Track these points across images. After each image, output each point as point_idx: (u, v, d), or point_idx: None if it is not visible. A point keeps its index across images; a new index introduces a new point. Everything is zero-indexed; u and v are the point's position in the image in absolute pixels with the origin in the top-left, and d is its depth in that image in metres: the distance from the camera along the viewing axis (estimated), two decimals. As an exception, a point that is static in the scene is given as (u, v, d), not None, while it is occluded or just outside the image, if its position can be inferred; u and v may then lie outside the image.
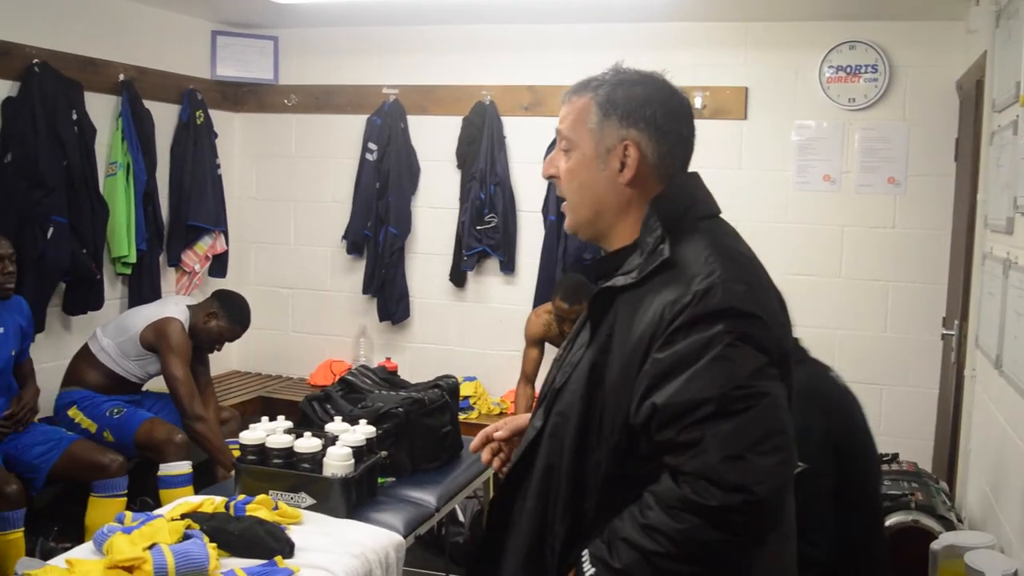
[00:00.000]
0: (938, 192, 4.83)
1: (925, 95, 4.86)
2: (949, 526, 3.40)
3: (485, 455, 2.00)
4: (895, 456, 4.08)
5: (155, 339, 4.43)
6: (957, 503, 3.87)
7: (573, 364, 1.69)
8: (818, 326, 4.79)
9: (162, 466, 4.25)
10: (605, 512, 1.60)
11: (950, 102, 4.78)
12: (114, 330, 4.51)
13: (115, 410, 4.35)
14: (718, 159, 5.08)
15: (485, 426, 5.29)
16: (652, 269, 1.60)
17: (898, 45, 4.87)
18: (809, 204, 5.00)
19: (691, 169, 1.76)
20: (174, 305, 4.61)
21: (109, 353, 4.46)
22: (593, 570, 1.57)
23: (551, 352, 4.99)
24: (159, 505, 3.87)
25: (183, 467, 4.27)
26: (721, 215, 1.75)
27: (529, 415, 1.92)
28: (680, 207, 1.68)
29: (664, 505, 1.50)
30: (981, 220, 3.81)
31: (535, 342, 4.97)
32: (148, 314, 4.52)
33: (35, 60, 4.43)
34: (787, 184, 5.03)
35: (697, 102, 5.05)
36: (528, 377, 4.99)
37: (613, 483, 1.60)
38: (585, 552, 1.60)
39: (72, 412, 4.36)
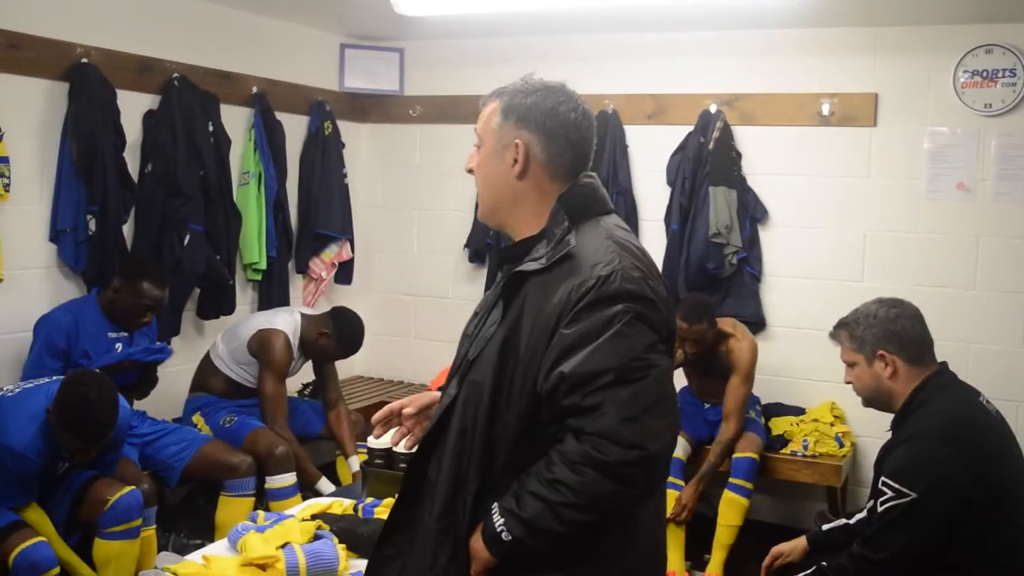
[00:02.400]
0: (1080, 200, 4.63)
1: (1067, 100, 4.66)
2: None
3: (395, 436, 2.19)
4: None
5: (257, 349, 4.51)
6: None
7: (486, 339, 1.89)
8: (952, 340, 4.60)
9: (268, 479, 4.31)
10: (512, 470, 1.83)
11: (1094, 107, 4.58)
12: (230, 336, 4.63)
13: (228, 419, 4.45)
14: (846, 167, 4.97)
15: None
16: (560, 256, 1.83)
17: (1038, 48, 4.69)
18: (942, 213, 4.84)
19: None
20: (287, 315, 4.67)
21: (223, 359, 4.58)
22: (502, 519, 1.80)
23: (677, 378, 4.91)
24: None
25: (287, 479, 4.32)
26: (612, 213, 2.01)
27: (432, 393, 2.21)
28: (582, 204, 1.92)
29: (567, 461, 1.75)
30: None
31: None
32: (258, 322, 4.60)
33: (175, 74, 4.60)
34: (918, 193, 4.88)
35: (825, 109, 4.95)
36: None
37: (519, 444, 1.83)
38: (495, 505, 1.82)
39: (196, 418, 4.51)
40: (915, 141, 4.89)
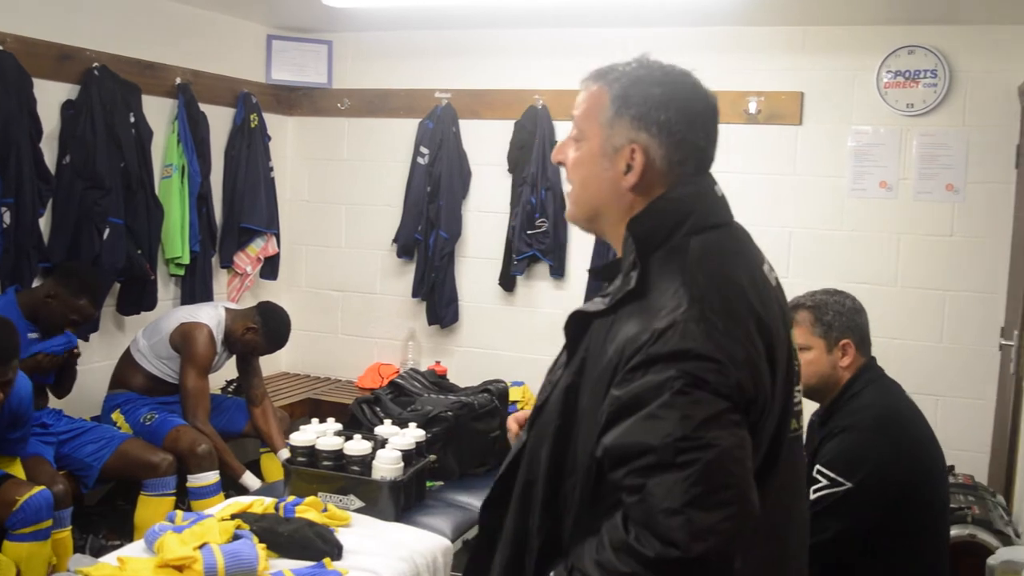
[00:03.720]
0: (998, 200, 4.74)
1: (985, 101, 4.76)
2: (1006, 541, 3.34)
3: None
4: (951, 469, 4.01)
5: (180, 342, 4.43)
6: (1015, 517, 3.79)
7: (552, 383, 1.66)
8: (874, 335, 4.68)
9: (189, 477, 4.24)
10: (581, 533, 1.56)
11: (1011, 108, 4.68)
12: (151, 330, 4.54)
13: (148, 416, 4.36)
14: (772, 164, 5.03)
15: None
16: (620, 298, 1.54)
17: (958, 50, 4.78)
18: (865, 211, 4.92)
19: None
20: (211, 309, 4.60)
21: (144, 354, 4.49)
22: None
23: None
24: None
25: (209, 477, 4.25)
26: (728, 224, 1.66)
27: None
28: (666, 225, 1.58)
29: (613, 545, 1.45)
30: (1043, 229, 3.73)
31: None
32: (181, 316, 4.53)
33: (95, 64, 4.49)
34: (842, 191, 4.95)
35: (751, 107, 5.01)
36: None
37: (589, 506, 1.55)
38: (551, 574, 1.60)
39: (115, 415, 4.41)
40: (839, 140, 4.96)
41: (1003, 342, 4.43)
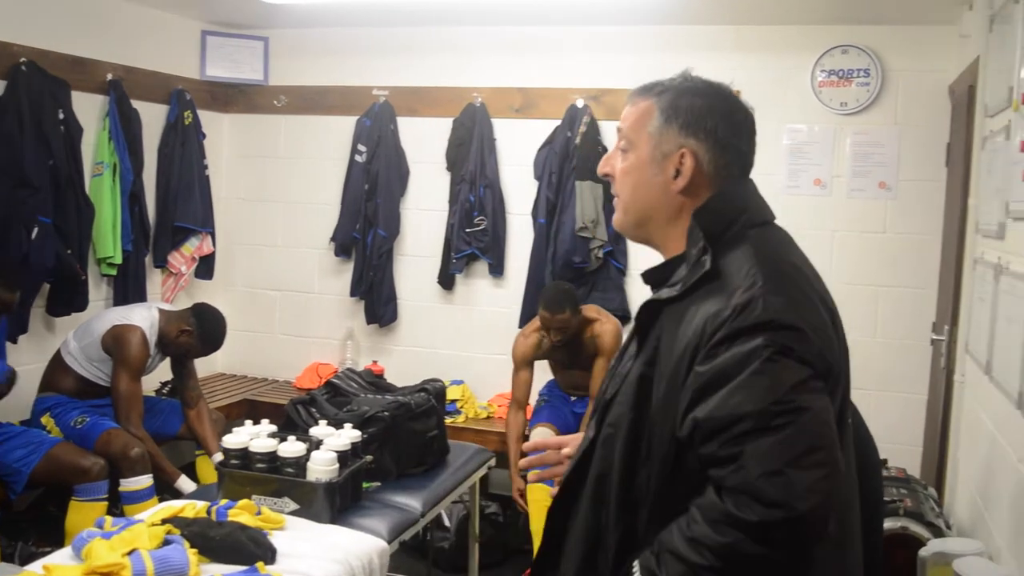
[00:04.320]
0: (929, 197, 4.82)
1: (917, 100, 4.84)
2: (938, 533, 3.38)
3: (538, 474, 2.04)
4: (884, 462, 4.06)
5: (112, 345, 4.34)
6: (946, 509, 3.85)
7: (622, 376, 1.70)
8: (808, 331, 4.76)
9: (122, 481, 4.16)
10: (657, 522, 1.60)
11: (942, 107, 4.77)
12: (82, 332, 4.44)
13: (79, 420, 4.27)
14: (708, 163, 5.06)
15: (471, 430, 5.21)
16: (694, 282, 1.60)
17: (891, 49, 4.85)
18: (799, 208, 4.97)
19: None
20: (144, 311, 4.52)
21: (75, 356, 4.40)
22: None
23: (542, 371, 4.93)
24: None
25: (142, 481, 4.18)
26: (775, 222, 1.75)
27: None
28: (726, 217, 1.67)
29: (708, 519, 1.49)
30: (972, 225, 3.80)
31: (525, 363, 4.78)
32: (113, 318, 4.43)
33: (22, 59, 4.39)
34: (778, 188, 5.00)
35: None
36: (519, 402, 4.77)
37: (664, 496, 1.60)
38: (635, 563, 1.60)
39: (45, 419, 4.31)
40: (775, 138, 5.01)
41: (934, 337, 4.50)
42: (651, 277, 1.80)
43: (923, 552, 3.07)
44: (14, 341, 4.36)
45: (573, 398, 4.95)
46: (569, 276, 5.09)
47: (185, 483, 4.35)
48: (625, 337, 1.74)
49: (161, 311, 4.55)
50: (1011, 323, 2.85)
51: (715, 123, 1.69)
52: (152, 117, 5.27)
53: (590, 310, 4.75)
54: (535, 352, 4.76)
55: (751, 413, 1.46)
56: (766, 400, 1.47)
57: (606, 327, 4.67)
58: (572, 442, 1.98)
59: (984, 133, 3.63)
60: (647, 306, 1.68)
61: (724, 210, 1.68)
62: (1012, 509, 2.81)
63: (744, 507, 1.45)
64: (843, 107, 4.92)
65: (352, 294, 5.71)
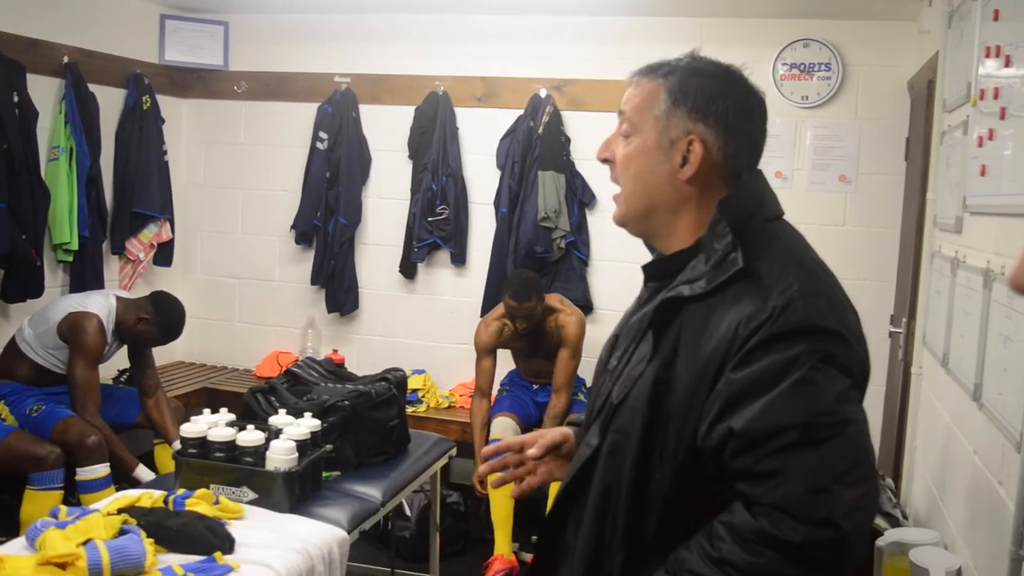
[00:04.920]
0: (888, 191, 4.87)
1: (877, 94, 4.89)
2: (894, 523, 3.42)
3: (500, 477, 1.92)
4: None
5: (68, 333, 4.28)
6: (902, 500, 3.89)
7: (633, 378, 1.55)
8: (768, 323, 4.79)
9: (79, 470, 4.11)
10: (665, 534, 1.50)
11: (902, 102, 4.81)
12: (38, 319, 4.38)
13: (34, 408, 4.21)
14: (671, 154, 5.07)
15: (432, 420, 5.17)
16: (724, 280, 1.47)
17: (851, 44, 4.89)
18: (761, 201, 4.99)
19: None
20: (101, 298, 4.45)
21: (30, 344, 4.33)
22: None
23: (503, 361, 4.93)
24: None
25: (99, 470, 4.13)
26: (783, 216, 1.63)
27: (559, 431, 1.87)
28: (747, 210, 1.54)
29: (739, 538, 1.39)
30: (930, 219, 3.84)
31: (488, 352, 4.78)
32: (69, 305, 4.37)
33: (-26, 40, 4.31)
34: (739, 180, 5.01)
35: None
36: (483, 391, 4.78)
37: (674, 505, 1.50)
38: None
39: None
40: (736, 130, 5.01)
41: (892, 329, 4.55)
42: (653, 271, 1.69)
43: (880, 542, 3.10)
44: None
45: (535, 386, 4.97)
46: (531, 266, 5.09)
47: (143, 472, 4.30)
48: (648, 327, 1.58)
49: (119, 299, 4.49)
50: (967, 316, 2.89)
51: (726, 107, 1.56)
52: (110, 101, 5.19)
53: (553, 299, 4.76)
54: (497, 340, 4.76)
55: (796, 425, 1.37)
56: (812, 412, 1.38)
57: (570, 318, 4.68)
58: (536, 441, 1.87)
59: (943, 128, 3.67)
60: (664, 304, 1.53)
61: (744, 204, 1.55)
62: (967, 500, 2.84)
63: (784, 526, 1.35)
64: (804, 100, 4.95)
65: (313, 282, 5.67)
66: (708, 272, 1.50)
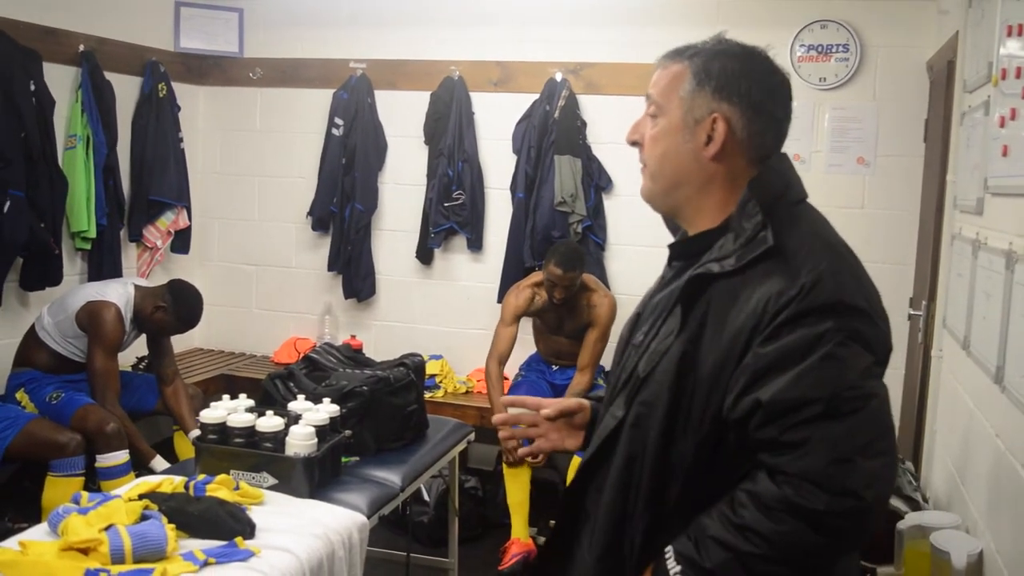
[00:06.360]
0: (907, 173, 4.83)
1: (896, 75, 4.84)
2: (915, 506, 3.41)
3: (512, 433, 1.96)
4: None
5: (87, 322, 4.29)
6: (923, 483, 3.88)
7: (660, 353, 1.58)
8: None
9: (98, 457, 4.13)
10: (686, 503, 1.55)
11: (921, 83, 4.77)
12: (57, 308, 4.39)
13: (54, 395, 4.23)
14: (688, 137, 5.05)
15: (450, 405, 5.15)
16: (754, 257, 1.52)
17: (870, 25, 4.85)
18: (778, 183, 4.97)
19: None
20: (119, 286, 4.46)
21: (49, 332, 4.35)
22: (679, 567, 1.52)
23: (520, 346, 4.92)
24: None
25: (118, 457, 4.14)
26: (807, 199, 1.67)
27: (575, 401, 1.91)
28: (775, 191, 1.60)
29: (762, 506, 1.45)
30: (950, 201, 3.81)
31: (514, 317, 4.78)
32: (88, 293, 4.39)
33: (-9, 29, 4.31)
34: (757, 163, 4.99)
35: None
36: (501, 356, 4.78)
37: (696, 475, 1.55)
38: (669, 548, 1.55)
39: (20, 395, 4.27)
40: (753, 113, 4.99)
41: (912, 312, 4.52)
42: (679, 250, 1.74)
43: (900, 525, 3.10)
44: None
45: (555, 367, 4.97)
46: (548, 250, 5.07)
47: (159, 464, 4.32)
48: (671, 306, 1.64)
49: (137, 287, 4.50)
50: (989, 298, 2.86)
51: (749, 87, 1.60)
52: (126, 89, 5.20)
53: (589, 279, 4.77)
54: (527, 307, 4.78)
55: (822, 398, 1.42)
56: (838, 385, 1.43)
57: (604, 300, 4.72)
58: (553, 404, 1.90)
59: (963, 108, 3.64)
60: (694, 280, 1.57)
61: (775, 184, 1.61)
62: (989, 483, 2.83)
63: (808, 495, 1.41)
64: (822, 82, 4.91)
65: (330, 268, 5.68)
66: (738, 250, 1.54)
